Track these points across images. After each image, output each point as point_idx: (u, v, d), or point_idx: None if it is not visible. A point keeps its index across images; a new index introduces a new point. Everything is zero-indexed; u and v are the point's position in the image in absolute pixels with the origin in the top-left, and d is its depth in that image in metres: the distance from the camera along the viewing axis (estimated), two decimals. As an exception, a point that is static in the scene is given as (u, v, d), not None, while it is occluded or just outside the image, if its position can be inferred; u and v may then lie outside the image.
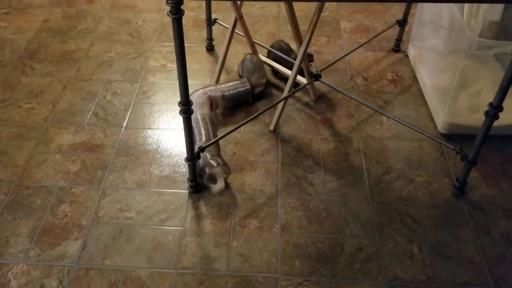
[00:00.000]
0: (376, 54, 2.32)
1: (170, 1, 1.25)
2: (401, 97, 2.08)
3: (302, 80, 1.98)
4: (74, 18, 2.54)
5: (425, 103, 2.04)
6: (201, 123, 1.80)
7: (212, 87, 1.95)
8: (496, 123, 1.76)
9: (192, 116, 1.52)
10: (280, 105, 1.87)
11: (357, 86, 2.13)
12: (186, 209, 1.62)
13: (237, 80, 2.00)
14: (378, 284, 1.43)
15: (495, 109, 1.43)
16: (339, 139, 1.88)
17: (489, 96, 1.95)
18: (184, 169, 1.75)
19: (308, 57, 2.01)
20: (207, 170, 1.64)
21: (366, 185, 1.72)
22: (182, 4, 1.26)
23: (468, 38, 1.67)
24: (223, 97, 1.93)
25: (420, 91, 2.10)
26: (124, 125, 1.92)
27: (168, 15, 1.27)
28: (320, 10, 1.71)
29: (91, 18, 2.54)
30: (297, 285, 1.42)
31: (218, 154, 1.72)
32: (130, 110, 2.00)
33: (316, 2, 1.71)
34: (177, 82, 1.39)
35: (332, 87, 2.03)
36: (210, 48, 2.31)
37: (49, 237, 1.53)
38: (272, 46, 2.15)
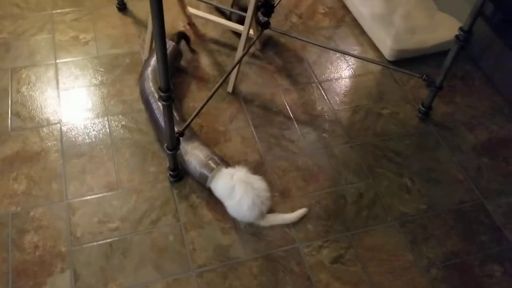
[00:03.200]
0: (300, -13, 2.21)
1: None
2: (340, 30, 2.04)
3: (240, 28, 1.81)
4: None
5: (363, 32, 2.03)
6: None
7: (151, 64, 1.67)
8: (432, 41, 1.85)
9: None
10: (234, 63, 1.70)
11: (295, 26, 2.03)
12: (174, 202, 1.45)
13: None
14: (389, 225, 1.46)
15: (466, 33, 1.46)
16: (300, 87, 1.80)
17: (419, 16, 1.99)
18: (153, 156, 1.54)
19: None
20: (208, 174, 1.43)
21: (342, 128, 1.69)
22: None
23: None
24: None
25: (354, 20, 2.07)
26: (59, 121, 1.61)
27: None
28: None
29: (-49, -9, 2.00)
30: (319, 248, 1.39)
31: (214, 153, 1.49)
32: (59, 100, 1.66)
33: None
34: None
35: (282, 32, 1.91)
36: (122, 7, 1.99)
37: (27, 278, 1.27)
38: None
